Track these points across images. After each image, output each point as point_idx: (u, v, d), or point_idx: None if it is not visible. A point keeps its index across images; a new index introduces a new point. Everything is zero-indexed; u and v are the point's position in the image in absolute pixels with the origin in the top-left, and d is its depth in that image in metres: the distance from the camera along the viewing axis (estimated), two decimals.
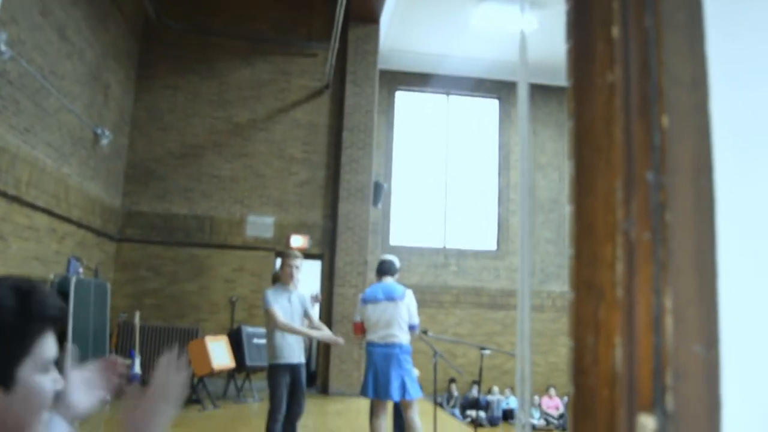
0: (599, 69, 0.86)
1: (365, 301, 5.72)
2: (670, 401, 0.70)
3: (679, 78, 0.79)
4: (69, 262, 8.35)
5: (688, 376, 0.70)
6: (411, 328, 5.63)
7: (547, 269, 13.68)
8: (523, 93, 1.22)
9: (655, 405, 0.70)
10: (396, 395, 5.45)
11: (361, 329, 5.79)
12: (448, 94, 14.26)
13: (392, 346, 5.52)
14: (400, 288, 5.68)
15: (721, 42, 0.80)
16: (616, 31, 0.84)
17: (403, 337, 5.56)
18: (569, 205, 0.90)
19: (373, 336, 5.61)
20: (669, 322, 0.72)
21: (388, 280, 5.79)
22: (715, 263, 0.74)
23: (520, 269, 1.11)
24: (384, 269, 5.86)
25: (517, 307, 1.08)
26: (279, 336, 5.40)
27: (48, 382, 0.98)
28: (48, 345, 0.98)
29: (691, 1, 0.80)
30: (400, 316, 5.54)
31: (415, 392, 5.51)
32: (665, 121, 0.77)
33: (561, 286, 13.64)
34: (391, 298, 5.59)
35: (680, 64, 0.79)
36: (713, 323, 0.72)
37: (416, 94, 14.21)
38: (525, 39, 1.29)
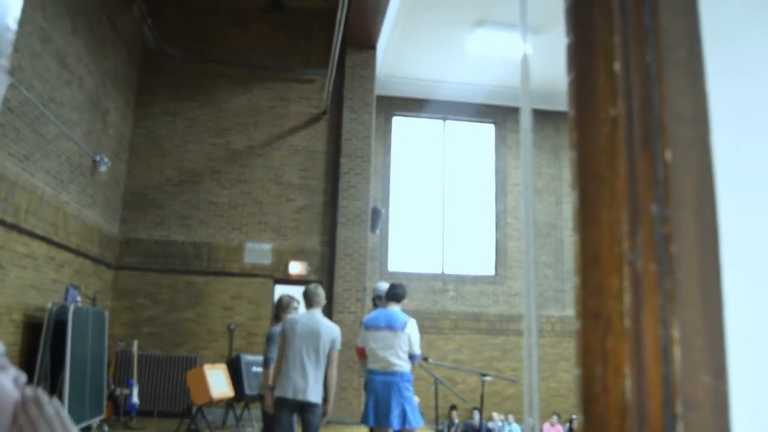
0: (602, 102, 0.88)
1: (367, 327, 5.68)
2: (680, 431, 0.70)
3: (681, 113, 0.81)
4: (67, 291, 8.31)
5: (697, 405, 0.71)
6: (411, 357, 5.58)
7: (546, 293, 13.62)
8: (525, 120, 1.24)
9: None
10: (396, 424, 5.38)
11: (363, 354, 5.75)
12: (444, 119, 14.34)
13: (393, 374, 5.47)
14: (402, 317, 5.62)
15: (721, 78, 0.82)
16: (617, 66, 0.86)
17: (404, 366, 5.51)
18: (574, 235, 0.91)
19: (373, 364, 5.56)
20: (677, 352, 0.73)
21: (393, 307, 5.73)
22: (721, 293, 0.76)
23: (525, 296, 1.12)
24: (390, 294, 5.80)
25: (524, 334, 1.08)
26: None
27: (6, 380, 0.90)
28: None
29: (691, 39, 0.83)
30: (399, 346, 5.50)
31: (416, 421, 5.45)
32: (668, 154, 0.79)
33: (560, 310, 13.59)
34: (391, 327, 5.54)
35: (681, 99, 0.81)
36: (721, 353, 0.74)
37: (413, 119, 14.28)
38: (528, 66, 1.32)
